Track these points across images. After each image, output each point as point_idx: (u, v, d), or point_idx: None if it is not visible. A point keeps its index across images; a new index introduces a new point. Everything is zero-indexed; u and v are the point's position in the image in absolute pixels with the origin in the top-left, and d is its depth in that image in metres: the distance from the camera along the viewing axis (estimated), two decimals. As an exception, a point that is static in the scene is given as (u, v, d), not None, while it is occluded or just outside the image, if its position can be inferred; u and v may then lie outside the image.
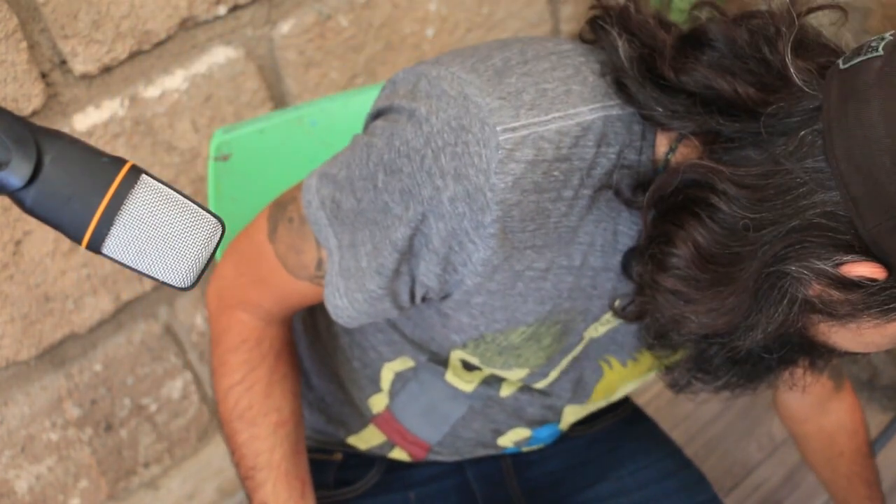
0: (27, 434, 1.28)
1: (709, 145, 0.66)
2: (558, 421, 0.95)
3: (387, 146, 0.69)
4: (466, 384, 0.88)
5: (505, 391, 0.88)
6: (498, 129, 0.64)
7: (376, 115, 0.74)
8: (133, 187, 0.50)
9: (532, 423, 0.94)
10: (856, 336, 0.67)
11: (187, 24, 1.17)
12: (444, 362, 0.86)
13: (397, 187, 0.68)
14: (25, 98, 1.06)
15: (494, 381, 0.87)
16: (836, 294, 0.63)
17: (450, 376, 0.87)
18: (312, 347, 0.99)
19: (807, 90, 0.62)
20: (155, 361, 1.38)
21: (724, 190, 0.62)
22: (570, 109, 0.65)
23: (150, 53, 1.16)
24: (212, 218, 0.52)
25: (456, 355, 0.83)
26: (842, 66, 0.61)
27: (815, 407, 1.05)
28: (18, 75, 1.04)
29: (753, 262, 0.63)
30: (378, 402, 0.94)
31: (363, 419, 0.97)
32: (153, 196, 0.50)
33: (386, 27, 1.38)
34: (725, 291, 0.65)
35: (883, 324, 0.65)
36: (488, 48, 0.71)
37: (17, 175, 0.48)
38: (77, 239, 0.50)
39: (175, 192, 0.51)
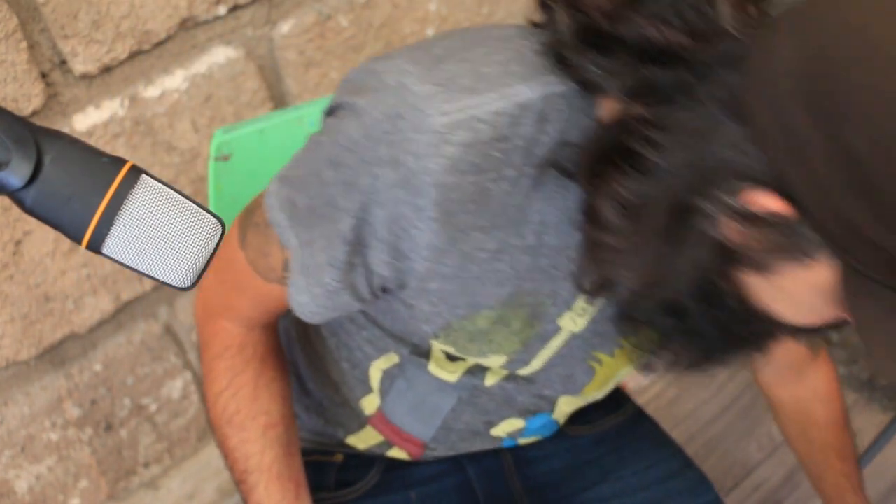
0: (27, 434, 1.27)
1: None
2: (552, 410, 0.95)
3: (331, 142, 0.70)
4: (450, 374, 0.88)
5: (490, 380, 0.88)
6: (431, 112, 0.64)
7: (329, 112, 0.75)
8: (133, 187, 0.50)
9: (524, 413, 0.94)
10: (787, 296, 0.66)
11: (187, 24, 1.17)
12: (426, 354, 0.86)
13: (340, 180, 0.69)
14: (25, 98, 1.06)
15: (478, 371, 0.87)
16: (745, 232, 0.62)
17: (433, 368, 0.87)
18: (305, 352, 0.99)
19: (735, 35, 0.61)
20: (155, 361, 1.38)
21: (643, 134, 0.62)
22: (508, 90, 0.66)
23: (150, 53, 1.16)
24: (212, 218, 0.52)
25: (437, 346, 0.83)
26: (772, 13, 0.61)
27: (789, 373, 1.05)
28: (18, 75, 1.04)
29: (666, 200, 0.63)
30: (370, 404, 0.94)
31: (360, 420, 0.97)
32: (153, 196, 0.50)
33: (386, 27, 1.38)
34: (645, 237, 0.65)
35: (799, 271, 0.63)
36: (435, 38, 0.72)
37: (17, 175, 0.48)
38: (77, 239, 0.50)
39: (175, 192, 0.51)
